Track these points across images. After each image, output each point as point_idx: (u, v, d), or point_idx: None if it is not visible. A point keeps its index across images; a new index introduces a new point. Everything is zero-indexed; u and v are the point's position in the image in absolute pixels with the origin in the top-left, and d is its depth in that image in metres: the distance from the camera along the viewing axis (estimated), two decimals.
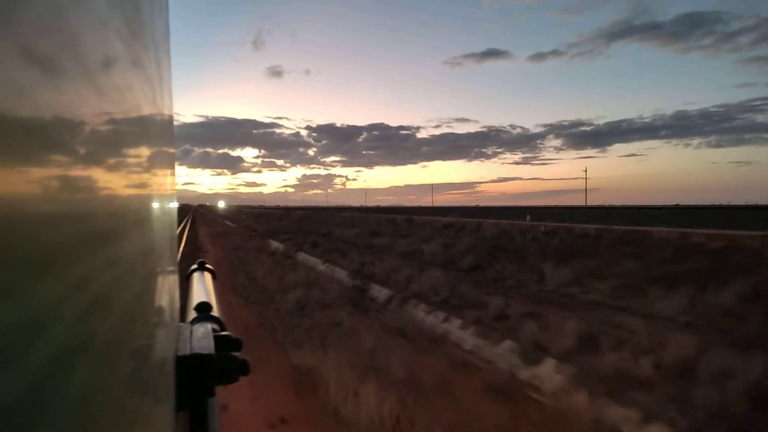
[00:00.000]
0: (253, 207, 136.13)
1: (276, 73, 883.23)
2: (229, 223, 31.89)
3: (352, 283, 7.17)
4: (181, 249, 11.13)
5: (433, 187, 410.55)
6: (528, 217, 14.24)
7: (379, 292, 6.44)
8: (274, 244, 14.43)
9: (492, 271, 7.37)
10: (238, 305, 6.02)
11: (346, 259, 9.65)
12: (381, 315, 5.28)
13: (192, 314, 0.57)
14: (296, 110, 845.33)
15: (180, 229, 18.42)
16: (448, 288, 5.92)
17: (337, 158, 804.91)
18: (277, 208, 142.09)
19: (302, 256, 11.20)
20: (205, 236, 18.99)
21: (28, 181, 0.11)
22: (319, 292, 6.23)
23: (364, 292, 6.40)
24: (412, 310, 5.44)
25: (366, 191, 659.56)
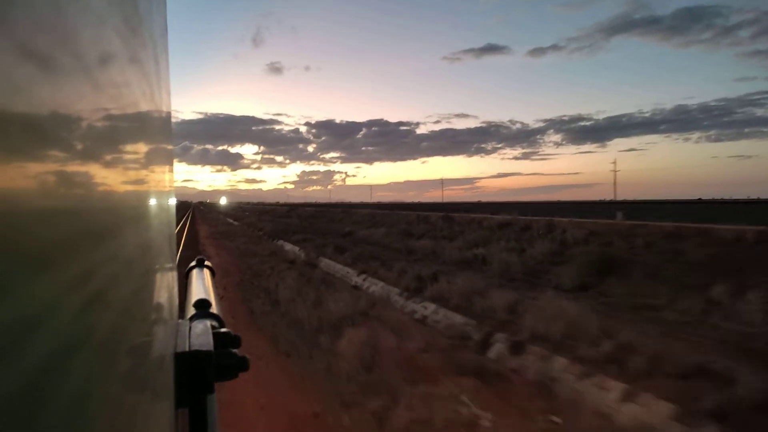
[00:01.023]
0: (255, 204, 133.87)
1: (276, 69, 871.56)
2: (231, 221, 29.70)
3: (437, 317, 4.98)
4: (178, 254, 9.06)
5: (443, 182, 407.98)
6: (619, 214, 11.99)
7: (476, 330, 4.26)
8: (288, 247, 12.27)
9: (617, 294, 5.20)
10: (263, 356, 3.84)
11: (390, 270, 7.49)
12: (534, 396, 3.10)
13: (191, 311, 0.56)
14: (295, 106, 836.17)
15: (178, 228, 16.38)
16: (590, 327, 3.75)
17: (337, 154, 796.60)
18: (278, 204, 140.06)
19: (327, 264, 9.03)
20: (207, 237, 16.82)
21: (27, 177, 0.11)
22: (388, 333, 4.05)
23: (464, 339, 4.19)
24: (576, 382, 3.22)
25: (371, 187, 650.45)
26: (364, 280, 7.55)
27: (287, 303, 5.55)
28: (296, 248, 11.82)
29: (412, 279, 6.39)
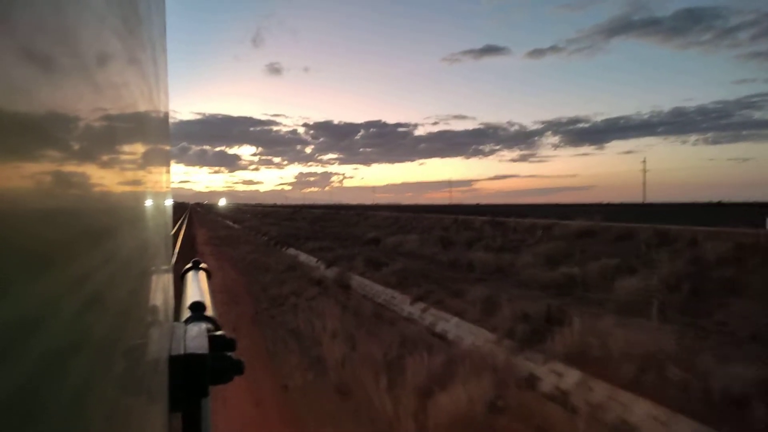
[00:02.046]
0: (253, 205, 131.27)
1: (275, 70, 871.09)
2: (231, 223, 27.52)
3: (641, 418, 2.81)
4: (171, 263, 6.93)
5: (443, 184, 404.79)
6: None
7: None
8: (303, 257, 10.15)
9: None
10: None
11: (459, 297, 5.43)
12: None
13: (186, 314, 0.56)
14: (294, 107, 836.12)
15: (173, 232, 14.11)
16: None
17: (335, 156, 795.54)
18: (276, 206, 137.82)
19: (361, 283, 6.94)
20: (206, 243, 14.69)
21: (23, 177, 0.11)
22: None
23: None
24: None
25: (374, 188, 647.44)
26: (423, 311, 5.46)
27: (339, 367, 3.46)
28: (313, 259, 9.72)
29: (512, 317, 4.30)
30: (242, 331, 4.61)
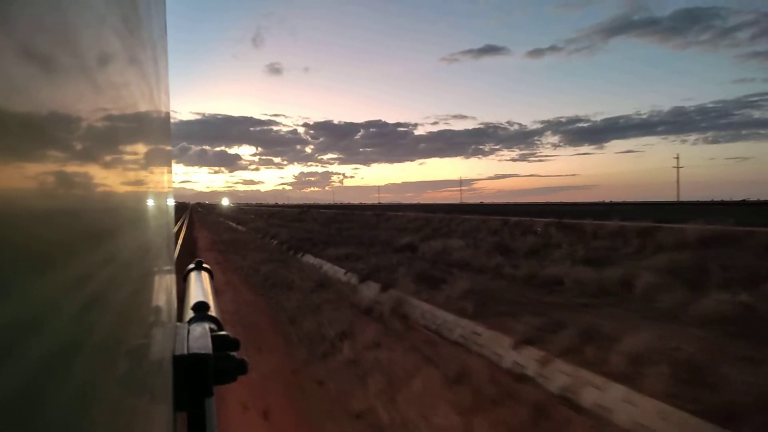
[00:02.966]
0: (258, 205, 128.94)
1: (275, 70, 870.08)
2: (235, 225, 25.65)
3: None
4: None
5: (461, 182, 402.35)
6: None
7: None
8: (327, 267, 8.31)
9: None
10: None
11: (596, 344, 3.59)
12: None
13: (189, 314, 0.56)
14: (294, 107, 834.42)
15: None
16: None
17: (335, 155, 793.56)
18: (277, 205, 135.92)
19: (422, 311, 5.11)
20: (208, 248, 12.86)
21: (24, 177, 0.11)
22: None
23: None
24: None
25: (378, 188, 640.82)
26: (542, 364, 3.63)
27: None
28: (341, 270, 7.88)
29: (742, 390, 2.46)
30: (278, 417, 2.77)
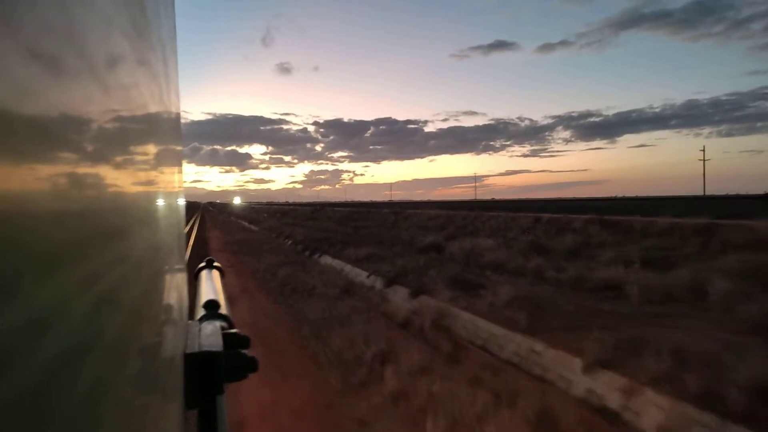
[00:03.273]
0: (269, 204, 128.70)
1: (285, 69, 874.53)
2: (247, 224, 25.26)
3: None
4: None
5: (475, 178, 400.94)
6: None
7: None
8: (348, 269, 7.72)
9: None
10: None
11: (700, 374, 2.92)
12: None
13: (200, 312, 0.56)
14: (304, 106, 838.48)
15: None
16: None
17: (345, 153, 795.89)
18: (288, 204, 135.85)
19: (462, 319, 4.47)
20: (221, 249, 12.39)
21: (38, 179, 0.11)
22: None
23: None
24: None
25: (391, 185, 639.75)
26: (627, 394, 2.96)
27: None
28: (363, 273, 7.28)
29: None
30: None
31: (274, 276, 7.59)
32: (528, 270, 6.42)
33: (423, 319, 4.36)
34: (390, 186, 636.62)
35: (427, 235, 10.60)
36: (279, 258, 9.83)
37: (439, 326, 4.32)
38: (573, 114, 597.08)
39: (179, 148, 0.52)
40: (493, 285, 5.39)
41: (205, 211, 62.20)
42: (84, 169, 0.15)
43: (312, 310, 5.13)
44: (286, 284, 6.81)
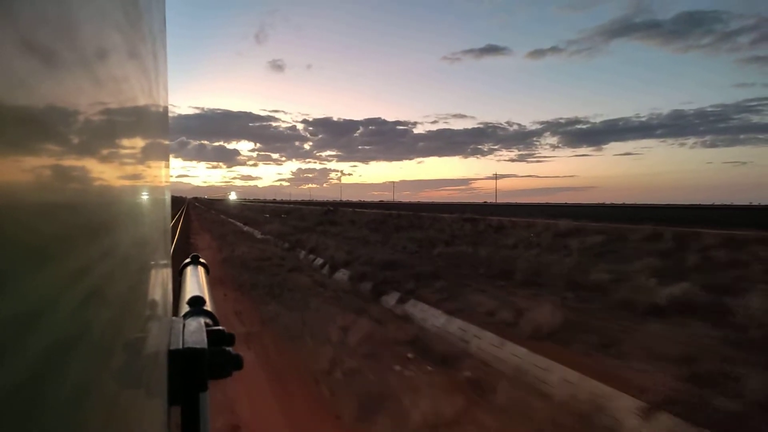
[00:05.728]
0: (263, 202, 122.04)
1: (278, 67, 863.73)
2: (242, 225, 20.40)
3: None
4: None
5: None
6: None
7: None
8: (454, 326, 3.25)
9: None
10: None
11: None
12: None
13: (185, 308, 0.55)
14: (293, 104, 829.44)
15: None
16: None
17: (333, 153, 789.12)
18: (276, 201, 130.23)
19: None
20: (219, 280, 7.75)
21: (22, 171, 0.11)
22: None
23: None
24: None
25: (394, 185, 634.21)
26: None
27: None
28: (545, 360, 2.85)
29: None
30: None
31: (365, 389, 3.03)
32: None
33: None
34: (393, 185, 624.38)
35: (547, 257, 6.12)
36: (333, 305, 5.25)
37: None
38: (561, 120, 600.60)
39: (166, 142, 0.51)
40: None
41: (190, 207, 56.67)
42: (69, 162, 0.15)
43: None
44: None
